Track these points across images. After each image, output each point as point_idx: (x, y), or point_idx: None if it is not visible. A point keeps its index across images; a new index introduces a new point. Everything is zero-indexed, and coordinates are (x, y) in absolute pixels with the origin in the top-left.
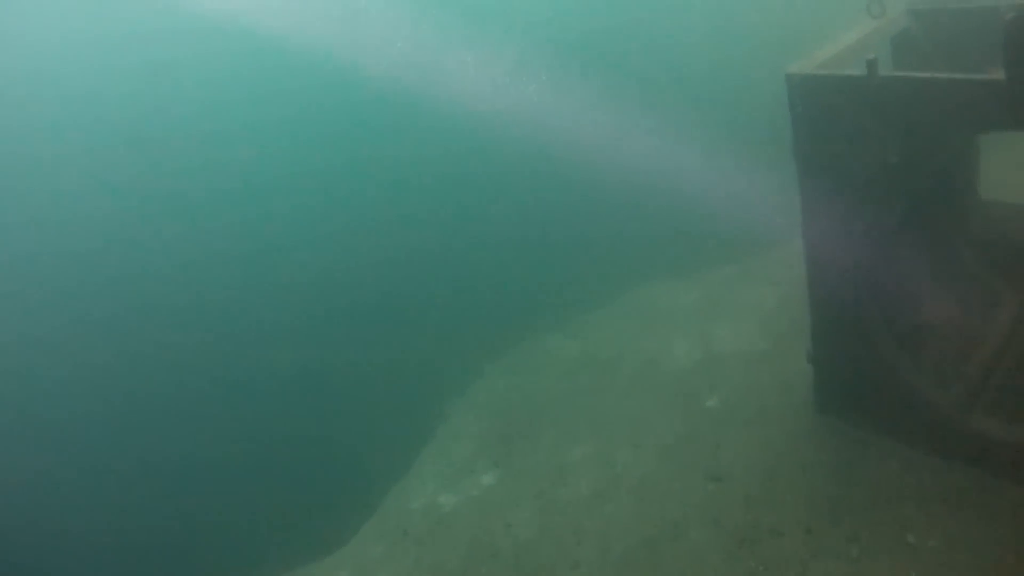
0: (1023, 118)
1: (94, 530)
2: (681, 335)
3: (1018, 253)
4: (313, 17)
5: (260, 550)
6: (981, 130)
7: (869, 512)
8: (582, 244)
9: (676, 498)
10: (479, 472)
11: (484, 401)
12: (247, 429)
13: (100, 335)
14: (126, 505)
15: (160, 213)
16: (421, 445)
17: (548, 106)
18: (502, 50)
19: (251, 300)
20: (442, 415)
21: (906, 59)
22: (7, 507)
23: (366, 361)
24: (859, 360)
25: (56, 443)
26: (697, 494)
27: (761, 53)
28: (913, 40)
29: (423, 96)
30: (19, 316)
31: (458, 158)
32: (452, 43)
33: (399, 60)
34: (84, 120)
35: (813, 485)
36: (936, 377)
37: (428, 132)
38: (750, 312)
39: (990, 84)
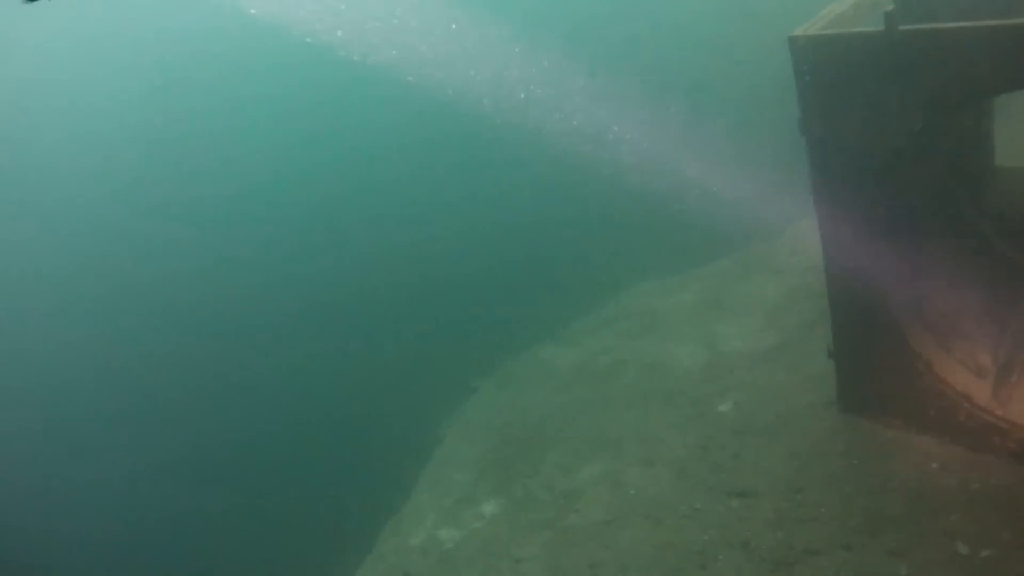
0: None
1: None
2: (683, 336)
3: None
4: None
5: None
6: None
7: (911, 522)
8: (567, 244)
9: (698, 520)
10: (480, 501)
11: (479, 421)
12: (223, 467)
13: (113, 340)
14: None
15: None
16: (416, 472)
17: (531, 104)
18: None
19: (225, 322)
20: (436, 438)
21: (911, 16)
22: (29, 509)
23: (347, 382)
24: (885, 352)
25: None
26: (721, 514)
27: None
28: None
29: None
30: (43, 321)
31: (433, 161)
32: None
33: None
34: (94, 124)
35: (846, 495)
36: (970, 365)
37: (405, 140)
38: (755, 306)
39: None
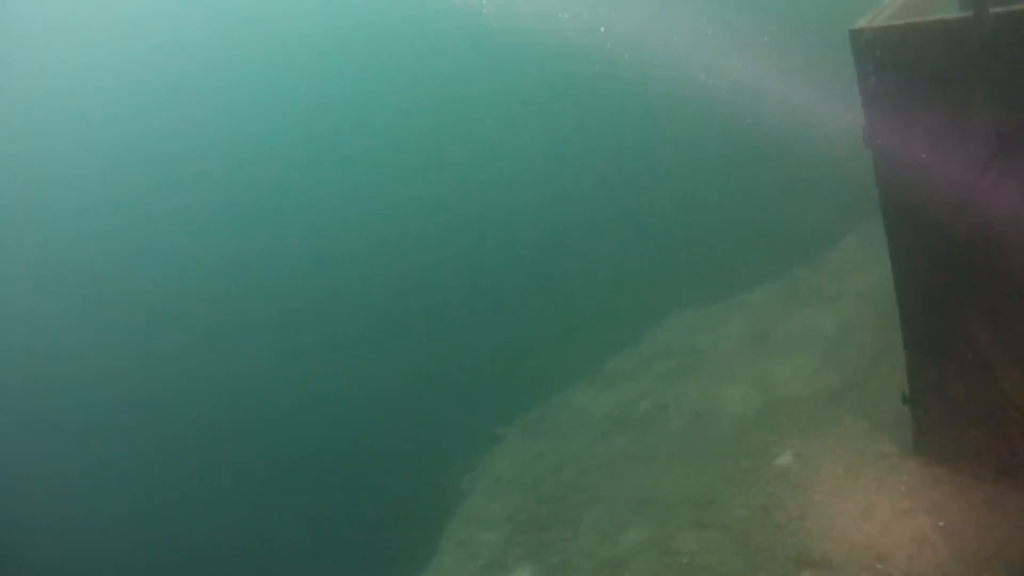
0: None
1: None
2: (731, 376)
3: None
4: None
5: None
6: None
7: None
8: (599, 270)
9: None
10: (511, 567)
11: (507, 473)
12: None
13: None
14: None
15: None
16: (440, 529)
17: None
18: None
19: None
20: (461, 491)
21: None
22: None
23: (364, 426)
24: (972, 394)
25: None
26: None
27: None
28: None
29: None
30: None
31: (450, 190)
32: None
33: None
34: (105, 132)
35: (937, 563)
36: None
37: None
38: (809, 340)
39: None
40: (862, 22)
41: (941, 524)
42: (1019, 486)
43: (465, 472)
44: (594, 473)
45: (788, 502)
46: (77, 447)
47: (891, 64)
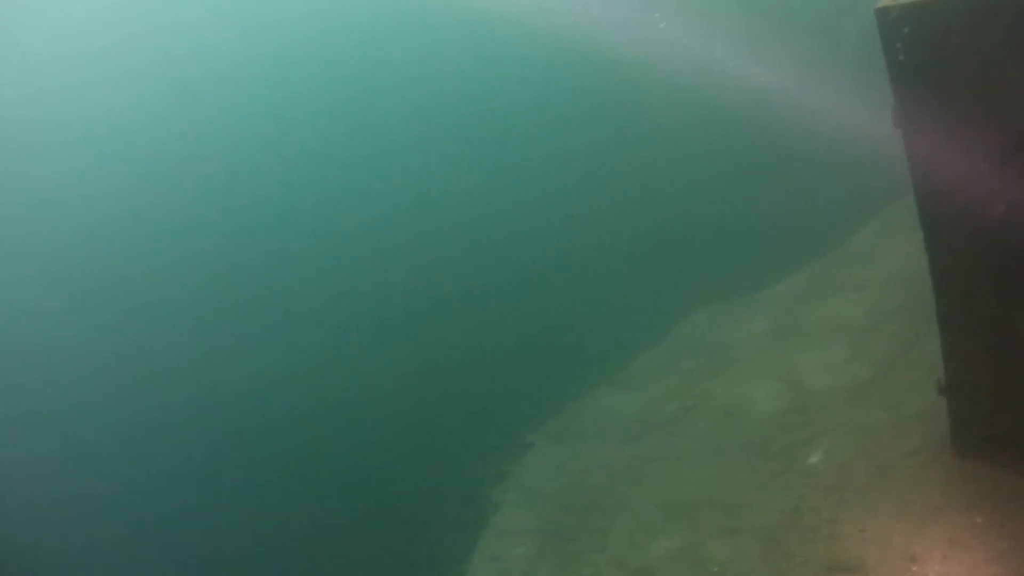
0: None
1: None
2: (758, 373)
3: None
4: None
5: None
6: None
7: None
8: (619, 268)
9: None
10: None
11: (536, 483)
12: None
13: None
14: None
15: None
16: (472, 544)
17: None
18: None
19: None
20: (492, 504)
21: None
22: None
23: (391, 438)
24: (1011, 383)
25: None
26: None
27: None
28: None
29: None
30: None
31: (469, 187)
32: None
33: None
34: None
35: (974, 564)
36: None
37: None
38: (837, 331)
39: None
40: (887, 0)
41: (977, 521)
42: None
43: (496, 482)
44: (622, 478)
45: (819, 504)
46: (79, 449)
47: (920, 41)
